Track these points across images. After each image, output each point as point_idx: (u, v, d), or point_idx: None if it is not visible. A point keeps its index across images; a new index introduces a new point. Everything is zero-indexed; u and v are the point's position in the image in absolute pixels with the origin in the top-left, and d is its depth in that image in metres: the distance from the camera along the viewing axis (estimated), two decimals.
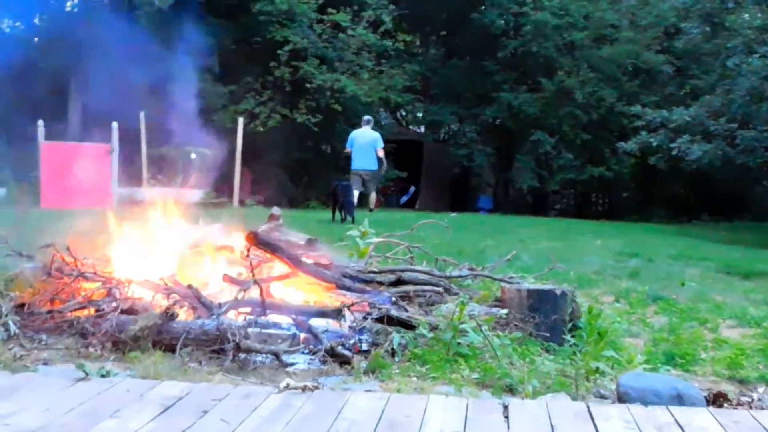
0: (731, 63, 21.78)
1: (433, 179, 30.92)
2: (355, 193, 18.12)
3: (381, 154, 19.18)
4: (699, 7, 23.61)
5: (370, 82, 27.35)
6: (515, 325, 6.56)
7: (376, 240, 8.80)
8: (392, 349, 5.87)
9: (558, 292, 6.64)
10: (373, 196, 19.54)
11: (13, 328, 5.91)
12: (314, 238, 8.75)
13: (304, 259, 7.51)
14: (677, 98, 27.27)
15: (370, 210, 18.76)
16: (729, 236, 19.95)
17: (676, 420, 4.45)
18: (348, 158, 19.62)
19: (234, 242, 7.76)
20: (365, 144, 19.14)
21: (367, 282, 7.47)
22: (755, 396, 5.35)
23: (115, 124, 20.88)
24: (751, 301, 9.29)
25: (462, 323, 5.95)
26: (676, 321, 7.78)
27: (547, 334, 6.39)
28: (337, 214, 17.36)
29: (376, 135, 19.43)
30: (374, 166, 19.20)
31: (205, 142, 23.15)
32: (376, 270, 7.84)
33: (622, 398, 4.87)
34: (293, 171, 26.77)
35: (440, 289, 7.72)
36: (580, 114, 28.42)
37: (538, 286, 7.23)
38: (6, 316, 6.00)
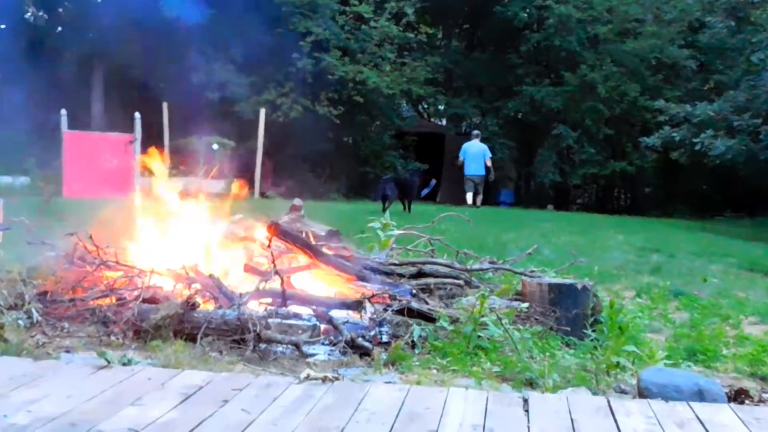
0: (756, 58, 21.62)
1: (455, 172, 30.83)
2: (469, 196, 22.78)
3: (489, 163, 23.19)
4: (724, 1, 23.45)
5: (392, 74, 27.34)
6: (536, 318, 6.55)
7: (397, 232, 8.80)
8: (412, 341, 5.88)
9: (579, 287, 6.63)
10: (480, 196, 22.93)
11: (35, 315, 5.96)
12: (335, 230, 8.77)
13: (325, 250, 7.52)
14: (701, 93, 27.06)
15: (477, 206, 22.17)
16: (752, 233, 19.81)
17: (697, 416, 4.42)
18: (461, 167, 23.36)
19: (256, 233, 7.77)
20: (476, 154, 23.03)
21: (387, 274, 7.47)
22: None
23: (137, 114, 20.96)
24: None
25: (483, 316, 5.95)
26: (698, 317, 7.75)
27: (568, 329, 6.38)
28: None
29: (485, 147, 23.51)
30: (483, 172, 23.02)
31: (227, 132, 23.32)
32: (397, 262, 7.84)
33: (642, 393, 4.85)
34: (314, 163, 26.80)
35: (461, 282, 7.72)
36: (602, 108, 28.25)
37: (559, 280, 7.23)
38: (29, 303, 6.05)
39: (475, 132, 24.84)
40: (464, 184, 23.37)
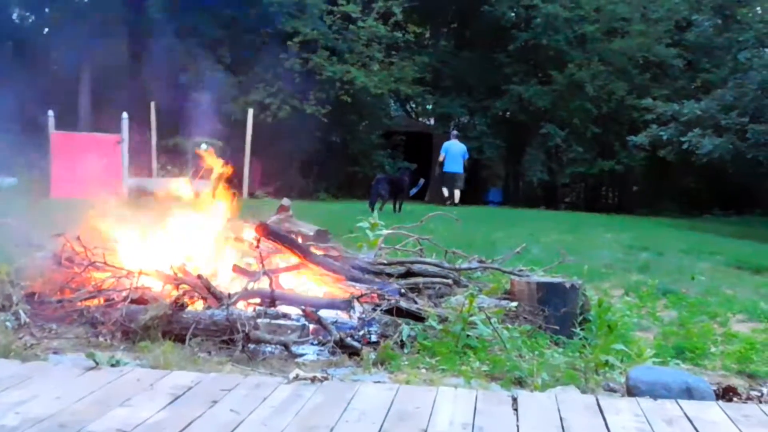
0: (743, 56, 21.71)
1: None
2: (456, 193, 23.72)
3: (465, 163, 24.29)
4: None
5: (380, 74, 27.34)
6: (525, 317, 6.56)
7: (385, 232, 8.79)
8: (401, 340, 5.88)
9: (567, 285, 6.65)
10: (457, 193, 23.85)
11: (23, 317, 5.94)
12: (324, 230, 8.76)
13: (313, 250, 7.51)
14: (688, 92, 27.15)
15: (455, 204, 23.09)
16: (740, 230, 19.88)
17: (685, 414, 4.43)
18: (441, 164, 24.28)
19: (244, 233, 7.76)
20: (456, 153, 24.09)
21: (376, 273, 7.47)
22: (765, 390, 5.35)
23: (125, 115, 20.90)
24: (762, 296, 9.28)
25: (471, 315, 5.95)
26: (686, 315, 7.77)
27: (557, 327, 6.39)
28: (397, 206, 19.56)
29: (464, 147, 24.57)
30: (462, 170, 24.11)
31: (215, 132, 23.27)
32: (385, 262, 7.84)
33: (631, 391, 4.86)
34: (303, 162, 26.78)
35: (450, 281, 7.72)
36: (590, 107, 28.30)
37: (548, 278, 7.24)
38: (16, 305, 6.02)
39: (454, 132, 25.90)
40: (443, 182, 24.37)
